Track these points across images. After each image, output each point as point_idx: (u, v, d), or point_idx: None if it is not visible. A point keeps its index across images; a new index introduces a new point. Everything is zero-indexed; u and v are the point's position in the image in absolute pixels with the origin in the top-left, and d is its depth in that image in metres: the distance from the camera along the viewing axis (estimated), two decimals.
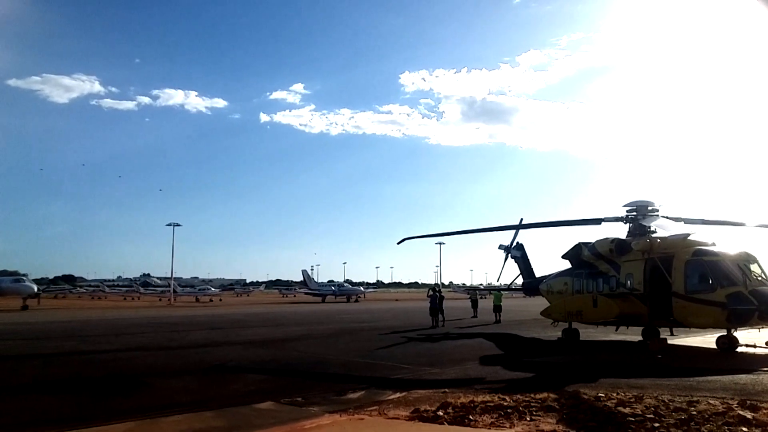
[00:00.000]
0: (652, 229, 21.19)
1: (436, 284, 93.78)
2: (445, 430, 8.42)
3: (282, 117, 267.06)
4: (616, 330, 23.22)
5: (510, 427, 8.40)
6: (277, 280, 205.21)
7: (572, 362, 16.82)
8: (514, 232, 30.82)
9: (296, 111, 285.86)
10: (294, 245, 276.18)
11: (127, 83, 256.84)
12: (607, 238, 22.10)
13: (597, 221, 22.94)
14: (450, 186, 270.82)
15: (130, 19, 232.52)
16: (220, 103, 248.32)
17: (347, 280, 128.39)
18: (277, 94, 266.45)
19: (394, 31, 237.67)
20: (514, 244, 31.54)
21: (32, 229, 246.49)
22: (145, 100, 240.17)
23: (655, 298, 20.03)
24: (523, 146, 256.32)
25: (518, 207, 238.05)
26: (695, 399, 9.89)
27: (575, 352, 19.43)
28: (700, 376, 13.11)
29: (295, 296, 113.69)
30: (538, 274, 29.79)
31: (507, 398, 10.13)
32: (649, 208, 21.83)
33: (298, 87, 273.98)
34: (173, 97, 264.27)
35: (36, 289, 62.60)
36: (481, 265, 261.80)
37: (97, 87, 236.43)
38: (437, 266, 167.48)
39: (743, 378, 12.92)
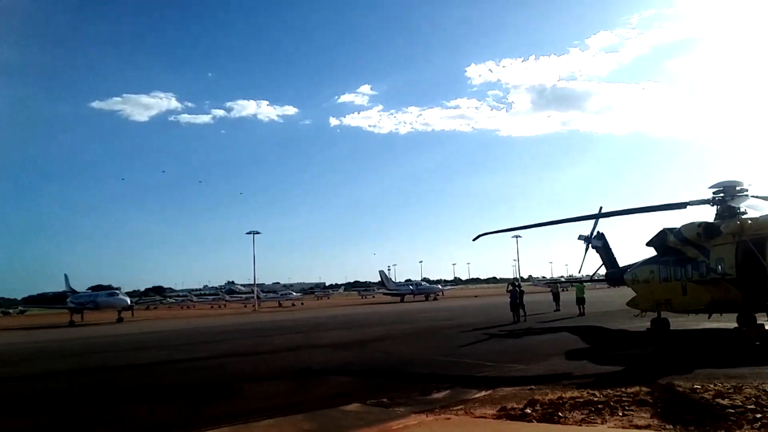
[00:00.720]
0: (742, 210, 20.05)
1: (516, 278, 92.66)
2: (534, 428, 8.30)
3: (351, 120, 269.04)
4: (709, 318, 22.15)
5: (602, 423, 8.18)
6: (356, 281, 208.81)
7: (664, 353, 16.22)
8: (593, 221, 30.16)
9: (365, 113, 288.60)
10: (370, 246, 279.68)
11: (202, 97, 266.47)
12: (693, 222, 21.08)
13: (681, 205, 21.88)
14: (523, 177, 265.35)
15: (201, 34, 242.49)
16: (290, 110, 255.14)
17: (424, 278, 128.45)
18: (345, 97, 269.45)
19: (457, 23, 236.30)
20: (595, 233, 30.86)
21: (124, 244, 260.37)
22: (220, 112, 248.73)
23: (749, 282, 18.93)
24: (598, 131, 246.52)
25: (597, 195, 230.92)
26: None
27: (666, 342, 18.71)
28: None
29: (373, 297, 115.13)
30: (621, 263, 28.92)
31: (597, 393, 9.89)
32: (738, 188, 20.61)
33: (365, 89, 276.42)
34: (246, 107, 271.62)
35: (129, 301, 65.72)
36: (561, 256, 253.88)
37: (174, 103, 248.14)
38: (515, 260, 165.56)
39: None
